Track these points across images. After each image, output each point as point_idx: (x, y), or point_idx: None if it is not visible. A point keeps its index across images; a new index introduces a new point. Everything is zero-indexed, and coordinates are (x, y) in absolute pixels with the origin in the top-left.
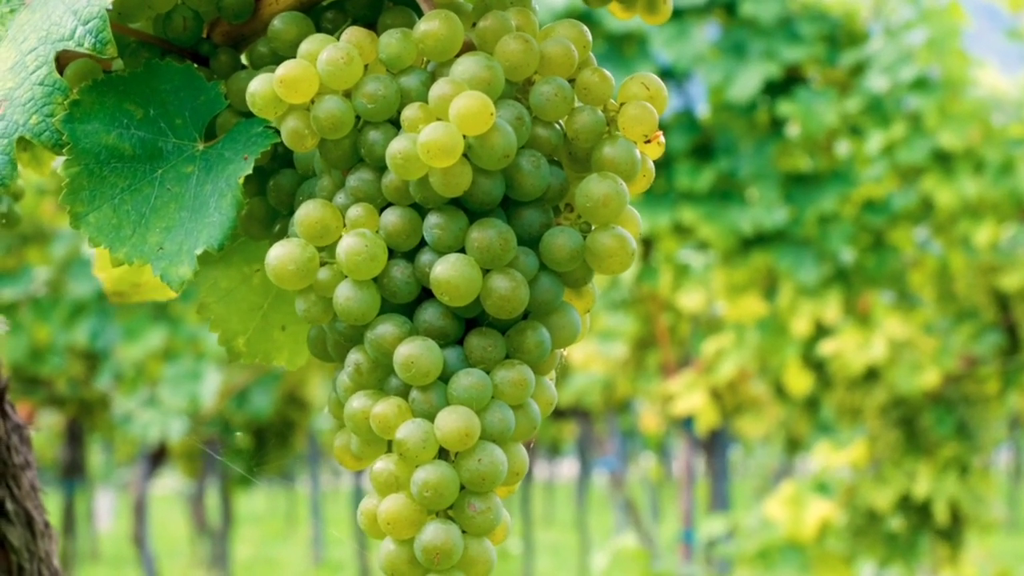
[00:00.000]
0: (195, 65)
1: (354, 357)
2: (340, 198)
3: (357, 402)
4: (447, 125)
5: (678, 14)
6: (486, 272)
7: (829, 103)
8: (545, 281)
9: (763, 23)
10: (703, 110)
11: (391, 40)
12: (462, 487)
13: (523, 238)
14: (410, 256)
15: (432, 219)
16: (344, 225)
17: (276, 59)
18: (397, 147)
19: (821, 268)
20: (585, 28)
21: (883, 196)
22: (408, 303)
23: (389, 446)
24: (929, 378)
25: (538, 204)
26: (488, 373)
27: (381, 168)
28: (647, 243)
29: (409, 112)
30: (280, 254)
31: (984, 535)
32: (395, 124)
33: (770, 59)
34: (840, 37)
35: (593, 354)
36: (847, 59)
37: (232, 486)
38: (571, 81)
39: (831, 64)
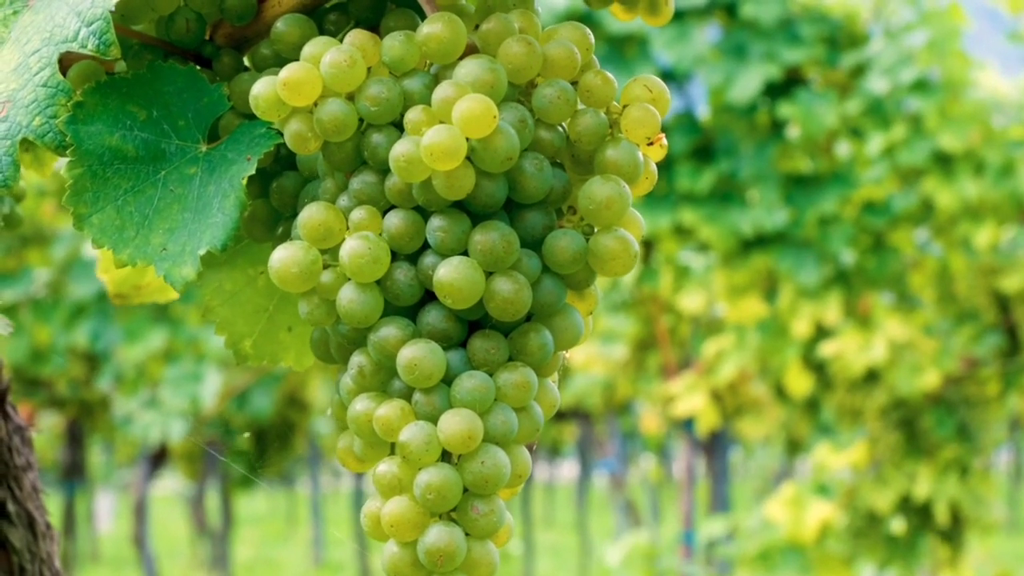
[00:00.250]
0: (198, 67)
1: (357, 359)
2: (343, 200)
3: (360, 404)
4: (450, 128)
5: (679, 16)
6: (489, 275)
7: (829, 105)
8: (548, 283)
9: (764, 25)
10: (703, 112)
11: (394, 43)
12: (465, 489)
13: (526, 240)
14: (413, 259)
15: (435, 222)
16: (347, 228)
17: (279, 61)
18: (400, 150)
19: (821, 269)
20: (588, 30)
21: (883, 198)
22: (411, 306)
23: (392, 448)
24: (929, 379)
25: (541, 207)
26: (491, 375)
27: (384, 171)
28: (648, 245)
29: (412, 115)
30: (283, 256)
31: (984, 536)
32: (398, 127)
33: (770, 61)
34: (840, 39)
35: (593, 355)
36: (847, 61)
37: (232, 487)
38: (574, 83)
39: (831, 66)
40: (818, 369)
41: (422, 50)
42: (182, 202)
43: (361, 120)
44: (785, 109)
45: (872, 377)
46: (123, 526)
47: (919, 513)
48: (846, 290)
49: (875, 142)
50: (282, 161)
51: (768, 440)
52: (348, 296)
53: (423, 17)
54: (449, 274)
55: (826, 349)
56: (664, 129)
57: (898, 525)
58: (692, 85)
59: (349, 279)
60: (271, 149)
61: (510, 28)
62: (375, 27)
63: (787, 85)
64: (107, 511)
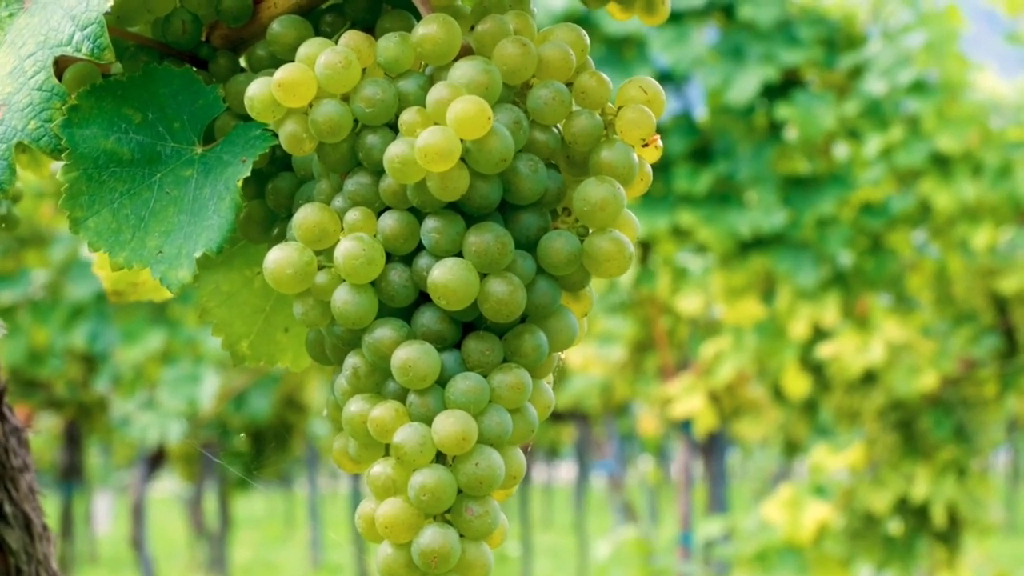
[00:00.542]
0: (194, 69)
1: (352, 361)
2: (338, 202)
3: (355, 406)
4: (445, 129)
5: (677, 17)
6: (483, 276)
7: (827, 106)
8: (542, 285)
9: (762, 26)
10: (701, 113)
11: (389, 44)
12: (459, 491)
13: (520, 242)
14: (408, 260)
15: (430, 223)
16: (342, 229)
17: (275, 62)
18: (395, 151)
19: (819, 271)
20: (583, 32)
21: (881, 199)
22: (406, 307)
23: (387, 450)
24: (927, 381)
25: (535, 208)
26: (485, 377)
27: (379, 172)
28: (645, 246)
29: (407, 116)
30: (278, 258)
31: (982, 538)
32: (393, 128)
33: (768, 62)
34: (838, 40)
35: (591, 357)
36: (845, 62)
37: (230, 489)
38: (569, 85)
39: (829, 67)
40: (816, 370)
41: (417, 51)
42: (178, 204)
43: (356, 121)
44: (783, 110)
45: (870, 378)
46: (121, 528)
47: (917, 514)
48: (844, 291)
49: (873, 143)
50: (278, 162)
51: (766, 441)
52: (343, 297)
53: (418, 18)
54: (443, 275)
55: (824, 350)
56: (662, 130)
57: (896, 526)
58: (690, 86)
59: (344, 280)
60: (266, 150)
61: (505, 29)
62: (371, 28)
63: (785, 86)
64: (105, 513)
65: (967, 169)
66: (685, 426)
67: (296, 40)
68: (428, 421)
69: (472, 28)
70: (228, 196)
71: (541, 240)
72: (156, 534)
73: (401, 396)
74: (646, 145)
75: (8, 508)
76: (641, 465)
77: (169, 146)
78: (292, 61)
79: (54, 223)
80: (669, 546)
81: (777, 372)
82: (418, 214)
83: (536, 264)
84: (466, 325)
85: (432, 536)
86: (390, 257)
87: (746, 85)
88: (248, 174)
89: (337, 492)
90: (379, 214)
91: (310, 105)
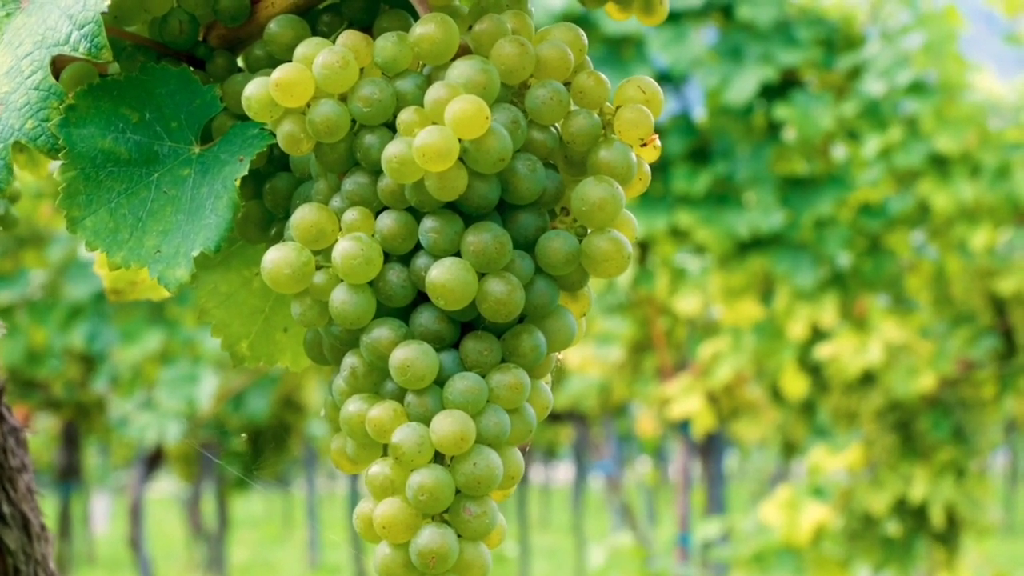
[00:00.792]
0: (191, 68)
1: (350, 361)
2: (336, 202)
3: (353, 406)
4: (443, 129)
5: (675, 17)
6: (482, 276)
7: (826, 107)
8: (541, 285)
9: (760, 27)
10: (700, 113)
11: (387, 44)
12: (457, 491)
13: (519, 242)
14: (406, 260)
15: (428, 223)
16: (340, 229)
17: (272, 62)
18: (393, 151)
19: (817, 272)
20: (581, 31)
21: (880, 200)
22: (404, 307)
23: (385, 450)
24: (925, 382)
25: (534, 208)
26: (484, 377)
27: (377, 172)
28: (644, 246)
29: (405, 116)
30: (276, 258)
31: (980, 539)
32: (391, 128)
33: (767, 63)
34: (837, 41)
35: (589, 358)
36: (844, 63)
37: (228, 489)
38: (567, 84)
39: (828, 68)
40: (814, 371)
41: (415, 51)
42: (175, 204)
43: (354, 121)
44: (781, 111)
45: (868, 379)
46: (119, 528)
47: (915, 515)
48: (842, 292)
49: (871, 144)
50: (275, 162)
51: (764, 442)
52: (340, 297)
53: (416, 18)
54: (442, 275)
55: (822, 351)
56: (660, 131)
57: (894, 527)
58: (689, 87)
59: (341, 280)
60: (264, 150)
61: (503, 29)
62: (368, 28)
63: (783, 87)
64: (103, 513)
65: (965, 170)
66: (683, 427)
67: (293, 40)
68: (426, 421)
69: (470, 28)
70: (226, 195)
71: (539, 240)
72: (154, 534)
73: (399, 396)
74: (644, 145)
75: (6, 508)
76: (639, 466)
77: (166, 146)
78: (290, 61)
79: (52, 223)
80: (667, 548)
81: (775, 373)
82: (416, 214)
83: (534, 264)
84: (464, 325)
85: (430, 536)
86: (388, 257)
87: (745, 85)
88: (245, 173)
89: (335, 492)
90: (377, 214)
91: (308, 105)
